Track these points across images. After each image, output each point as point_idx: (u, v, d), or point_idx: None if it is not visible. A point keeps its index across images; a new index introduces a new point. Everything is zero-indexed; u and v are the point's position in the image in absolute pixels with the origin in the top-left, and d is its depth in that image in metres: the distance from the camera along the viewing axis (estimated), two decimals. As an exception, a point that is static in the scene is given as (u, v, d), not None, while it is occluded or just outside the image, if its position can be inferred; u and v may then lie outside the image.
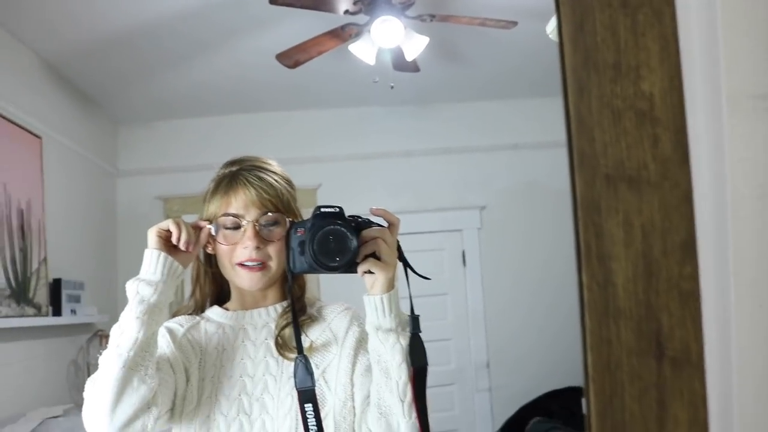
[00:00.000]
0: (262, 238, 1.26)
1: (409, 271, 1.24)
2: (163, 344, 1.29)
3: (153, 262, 1.19)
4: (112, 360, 1.14)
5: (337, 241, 1.15)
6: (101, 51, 3.70)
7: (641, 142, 0.61)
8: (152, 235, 1.22)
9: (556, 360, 4.75)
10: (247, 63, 3.91)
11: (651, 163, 0.61)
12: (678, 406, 0.61)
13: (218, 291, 1.38)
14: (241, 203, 1.27)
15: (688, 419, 0.61)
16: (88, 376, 3.72)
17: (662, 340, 0.60)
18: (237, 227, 1.26)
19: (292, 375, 1.19)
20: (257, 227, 1.26)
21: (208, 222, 1.29)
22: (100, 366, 1.18)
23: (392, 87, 3.57)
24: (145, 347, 1.15)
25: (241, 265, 1.27)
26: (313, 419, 1.16)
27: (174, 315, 1.38)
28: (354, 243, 1.15)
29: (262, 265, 1.27)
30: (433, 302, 4.74)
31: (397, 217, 1.21)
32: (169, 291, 1.19)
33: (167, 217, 4.68)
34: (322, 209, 1.19)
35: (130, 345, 1.14)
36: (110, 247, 4.65)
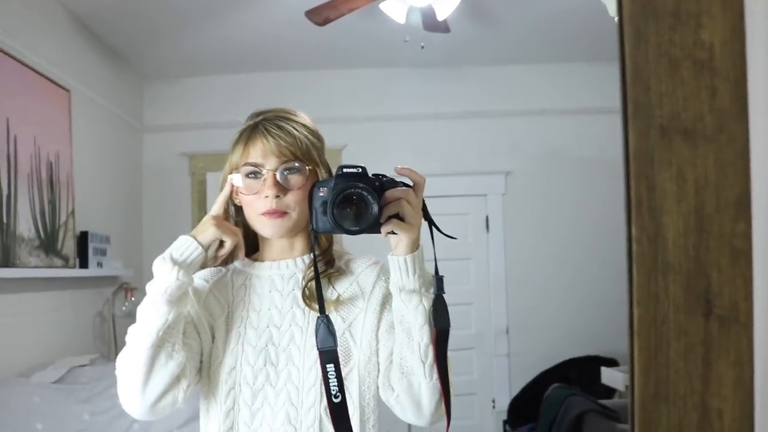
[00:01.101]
0: (282, 187, 1.25)
1: (434, 231, 1.23)
2: (188, 306, 1.31)
3: (191, 253, 1.21)
4: (141, 340, 1.17)
5: (359, 205, 1.14)
6: (129, 5, 3.69)
7: (698, 93, 0.59)
8: (209, 234, 1.24)
9: (575, 328, 4.75)
10: (276, 19, 3.87)
11: (708, 116, 0.59)
12: (723, 365, 0.60)
13: (246, 242, 1.38)
14: (259, 152, 1.26)
15: (733, 378, 0.60)
16: (113, 327, 3.78)
17: (711, 298, 0.59)
18: (258, 176, 1.26)
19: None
20: (276, 176, 1.25)
21: (231, 172, 1.29)
22: (128, 343, 1.20)
23: (422, 47, 3.52)
24: (173, 326, 1.18)
25: (264, 214, 1.26)
26: (335, 380, 1.16)
27: (202, 267, 1.38)
28: (375, 207, 1.12)
29: (284, 213, 1.26)
30: (456, 266, 4.74)
31: (422, 177, 1.19)
32: (191, 280, 1.23)
33: (192, 173, 4.75)
34: (345, 169, 1.17)
35: (159, 326, 1.16)
36: (136, 202, 4.69)
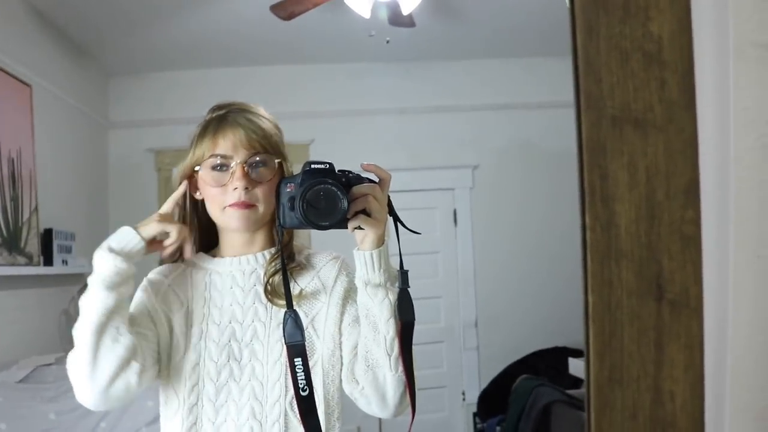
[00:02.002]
0: (251, 179, 1.25)
1: (399, 226, 1.24)
2: (144, 298, 1.31)
3: (129, 242, 1.21)
4: (83, 327, 1.17)
5: (327, 200, 1.14)
6: (92, -1, 3.64)
7: (648, 84, 0.61)
8: (152, 229, 1.24)
9: (543, 320, 4.81)
10: (241, 14, 3.85)
11: (657, 106, 0.61)
12: (675, 349, 0.61)
13: (204, 238, 1.37)
14: (229, 144, 1.25)
15: (684, 361, 0.62)
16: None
17: (662, 283, 0.61)
18: (225, 169, 1.25)
19: (281, 323, 1.20)
20: (246, 168, 1.25)
21: (195, 165, 1.28)
22: (74, 339, 1.20)
23: (388, 41, 3.53)
24: (114, 311, 1.17)
25: (232, 206, 1.26)
26: (302, 373, 1.17)
27: (160, 263, 1.37)
28: (344, 202, 1.13)
29: (252, 205, 1.26)
30: (424, 260, 4.77)
31: (388, 173, 1.20)
32: (132, 269, 1.22)
33: (158, 169, 4.70)
34: (312, 165, 1.17)
35: (99, 311, 1.16)
36: (101, 198, 4.63)
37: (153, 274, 1.34)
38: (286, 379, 1.23)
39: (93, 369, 1.17)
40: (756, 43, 0.68)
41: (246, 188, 1.24)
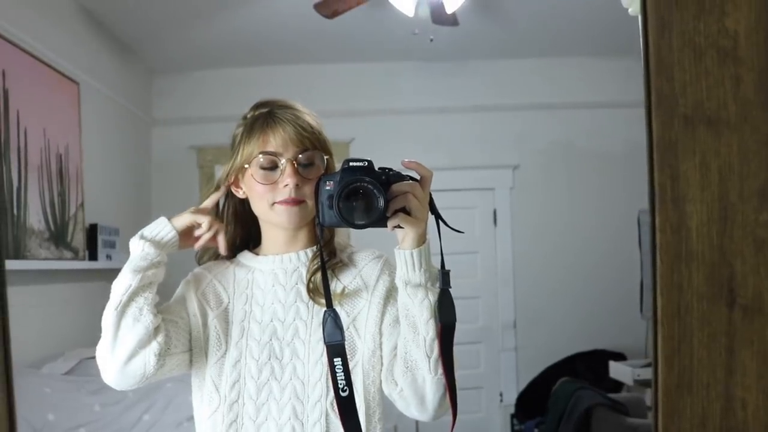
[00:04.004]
0: (301, 176, 1.25)
1: (441, 225, 1.22)
2: (183, 288, 1.34)
3: (161, 231, 1.26)
4: (108, 307, 1.21)
5: (365, 199, 1.13)
6: (139, -3, 3.69)
7: (722, 82, 0.59)
8: (184, 219, 1.28)
9: (582, 322, 4.75)
10: (285, 12, 3.86)
11: (731, 105, 0.59)
12: (747, 355, 0.60)
13: (246, 235, 1.38)
14: (279, 141, 1.25)
15: (757, 368, 0.60)
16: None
17: (734, 287, 0.59)
18: (275, 167, 1.26)
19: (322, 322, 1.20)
20: (295, 165, 1.25)
21: (245, 163, 1.28)
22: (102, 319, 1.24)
23: (431, 40, 3.52)
24: (139, 292, 1.21)
25: (281, 203, 1.26)
26: (342, 374, 1.16)
27: (200, 256, 1.39)
28: (381, 201, 1.12)
29: (301, 201, 1.26)
30: (464, 260, 4.74)
31: (429, 170, 1.18)
32: (161, 256, 1.26)
33: (200, 166, 4.76)
34: (351, 162, 1.17)
35: (122, 291, 1.20)
36: (145, 194, 4.70)
37: (198, 269, 1.37)
38: (327, 379, 1.23)
39: (113, 346, 1.20)
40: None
41: (297, 185, 1.24)
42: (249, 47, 4.46)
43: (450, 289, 1.19)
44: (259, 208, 1.30)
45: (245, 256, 1.36)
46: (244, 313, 1.29)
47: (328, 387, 1.23)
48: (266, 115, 1.28)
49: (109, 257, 3.78)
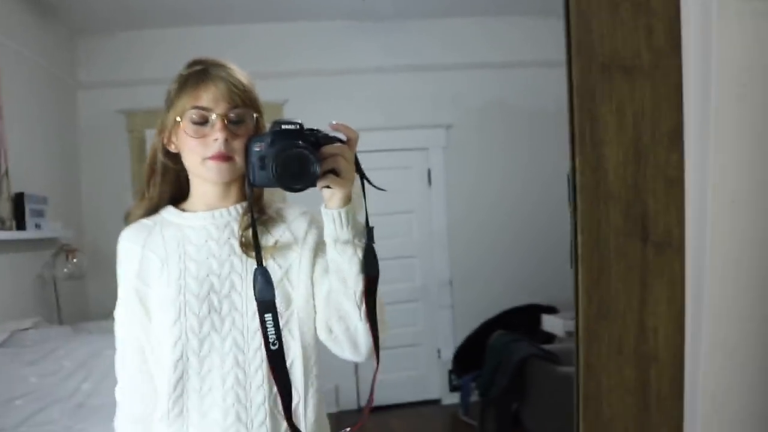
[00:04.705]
0: (230, 132, 1.27)
1: (365, 184, 1.27)
2: (124, 278, 1.35)
3: None
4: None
5: (300, 164, 1.16)
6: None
7: (636, 31, 0.63)
8: None
9: (516, 278, 4.89)
10: (212, -28, 3.78)
11: (645, 53, 0.63)
12: (659, 285, 0.65)
13: (175, 191, 1.39)
14: (211, 96, 1.27)
15: (667, 297, 0.65)
16: (55, 290, 3.69)
17: (647, 223, 0.64)
18: (205, 121, 1.27)
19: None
20: (225, 121, 1.26)
21: (176, 116, 1.29)
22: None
23: (364, 0, 3.50)
24: None
25: (211, 158, 1.28)
26: (272, 328, 1.22)
27: (127, 217, 1.39)
28: (317, 167, 1.16)
29: (230, 158, 1.28)
30: (399, 220, 4.81)
31: (356, 132, 1.23)
32: None
33: (130, 131, 4.65)
34: (282, 125, 1.19)
35: None
36: (73, 161, 4.56)
37: (124, 243, 1.36)
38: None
39: None
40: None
41: (226, 140, 1.26)
42: (177, 7, 4.34)
43: (374, 244, 1.25)
44: (190, 162, 1.31)
45: (171, 213, 1.37)
46: (179, 271, 1.31)
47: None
48: (200, 72, 1.30)
49: (38, 226, 3.68)
